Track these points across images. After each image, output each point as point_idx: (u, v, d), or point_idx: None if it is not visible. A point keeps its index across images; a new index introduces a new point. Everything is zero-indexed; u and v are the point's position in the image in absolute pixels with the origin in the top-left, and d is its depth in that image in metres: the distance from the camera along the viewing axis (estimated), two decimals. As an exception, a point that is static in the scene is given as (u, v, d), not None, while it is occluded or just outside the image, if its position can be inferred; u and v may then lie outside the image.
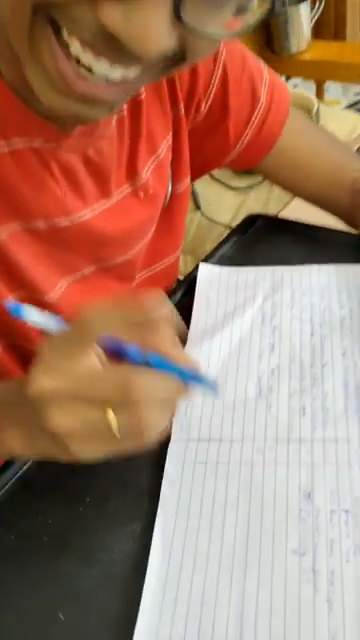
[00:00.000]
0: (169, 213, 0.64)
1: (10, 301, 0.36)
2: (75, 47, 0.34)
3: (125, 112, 0.53)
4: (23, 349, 0.55)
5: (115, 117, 0.52)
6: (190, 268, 0.66)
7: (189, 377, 0.35)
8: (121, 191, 0.55)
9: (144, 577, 0.41)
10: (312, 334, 0.56)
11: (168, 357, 0.34)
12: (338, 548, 0.41)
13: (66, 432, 0.34)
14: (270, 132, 0.64)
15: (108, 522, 0.45)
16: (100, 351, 0.34)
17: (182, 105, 0.58)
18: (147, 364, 0.34)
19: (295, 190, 0.72)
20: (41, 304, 0.52)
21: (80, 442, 0.34)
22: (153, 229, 0.62)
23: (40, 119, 0.45)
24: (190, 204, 1.07)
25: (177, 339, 0.35)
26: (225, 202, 1.02)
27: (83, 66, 0.35)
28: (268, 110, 0.63)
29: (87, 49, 0.34)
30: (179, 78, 0.57)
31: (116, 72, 0.36)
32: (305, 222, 0.70)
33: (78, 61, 0.35)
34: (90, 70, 0.35)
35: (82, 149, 0.49)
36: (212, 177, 1.05)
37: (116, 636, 0.39)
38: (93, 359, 0.33)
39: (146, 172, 0.57)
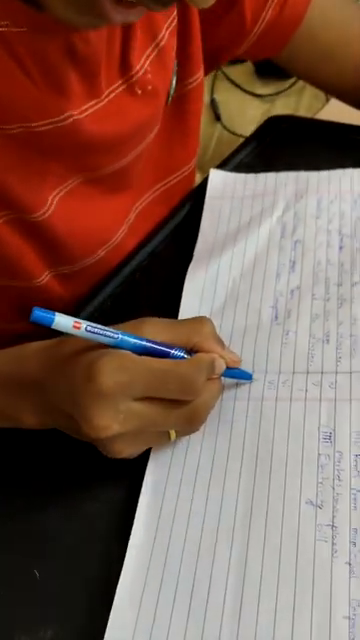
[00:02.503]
0: (179, 113, 0.55)
1: (37, 311, 0.33)
2: None
3: None
4: (14, 288, 0.50)
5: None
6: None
7: (230, 372, 0.39)
8: (113, 89, 0.46)
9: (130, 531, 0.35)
10: (341, 248, 0.48)
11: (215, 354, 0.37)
12: (364, 500, 0.34)
13: (126, 456, 0.36)
14: (294, 10, 0.54)
15: (95, 470, 0.38)
16: None
17: None
18: None
19: (328, 85, 0.62)
20: (33, 225, 0.46)
21: (131, 453, 0.36)
22: (156, 132, 0.53)
23: None
24: (209, 115, 0.96)
25: (219, 336, 0.38)
26: (249, 112, 0.93)
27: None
28: None
29: None
30: None
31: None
32: (336, 122, 0.59)
33: None
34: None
35: (63, 35, 0.40)
36: (234, 83, 0.94)
37: (96, 595, 0.33)
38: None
39: (143, 63, 0.47)
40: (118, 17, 0.35)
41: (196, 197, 0.55)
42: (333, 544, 0.33)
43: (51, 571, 0.35)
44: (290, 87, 0.92)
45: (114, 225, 0.53)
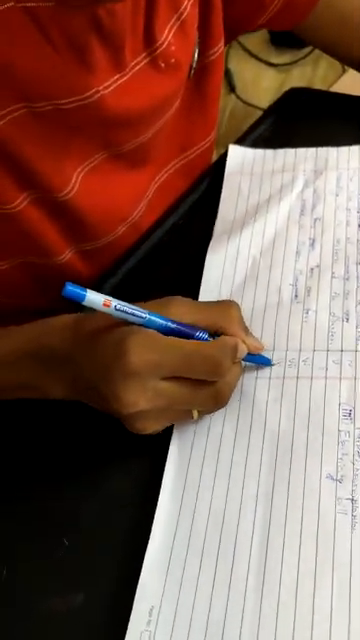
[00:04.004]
0: (200, 85, 0.54)
1: (70, 286, 0.33)
2: None
3: None
4: (36, 265, 0.50)
5: None
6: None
7: (251, 357, 0.40)
8: (138, 62, 0.46)
9: (157, 501, 0.36)
10: (360, 226, 0.48)
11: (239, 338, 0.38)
12: (383, 476, 0.35)
13: (150, 432, 0.37)
14: None
15: (121, 443, 0.39)
16: None
17: None
18: None
19: (347, 56, 0.61)
20: (57, 204, 0.46)
21: (156, 430, 0.37)
22: (176, 106, 0.52)
23: None
24: (223, 86, 0.95)
25: (244, 322, 0.39)
26: (264, 82, 0.91)
27: None
28: None
29: None
30: None
31: None
32: (356, 95, 0.59)
33: None
34: None
35: (92, 10, 0.39)
36: (249, 52, 0.92)
37: (124, 563, 0.35)
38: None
39: (166, 36, 0.47)
40: None
41: (215, 172, 0.55)
42: (353, 516, 0.34)
43: (81, 540, 0.37)
44: (306, 56, 0.90)
45: (134, 201, 0.54)
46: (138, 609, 0.33)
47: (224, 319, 0.38)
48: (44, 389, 0.40)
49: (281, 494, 0.35)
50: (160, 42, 0.47)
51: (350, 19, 0.57)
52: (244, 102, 0.92)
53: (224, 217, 0.51)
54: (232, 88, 0.93)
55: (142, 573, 0.34)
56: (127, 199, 0.53)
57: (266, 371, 0.41)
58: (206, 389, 0.36)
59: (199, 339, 0.36)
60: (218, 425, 0.39)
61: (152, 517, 0.36)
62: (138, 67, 0.46)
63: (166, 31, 0.47)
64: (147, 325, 0.35)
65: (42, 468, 0.40)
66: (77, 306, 0.34)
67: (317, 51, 0.88)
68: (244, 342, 0.38)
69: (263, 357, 0.40)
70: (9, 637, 0.34)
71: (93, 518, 0.37)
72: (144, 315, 0.35)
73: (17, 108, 0.41)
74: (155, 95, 0.48)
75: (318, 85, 0.90)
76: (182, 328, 0.36)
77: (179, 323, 0.36)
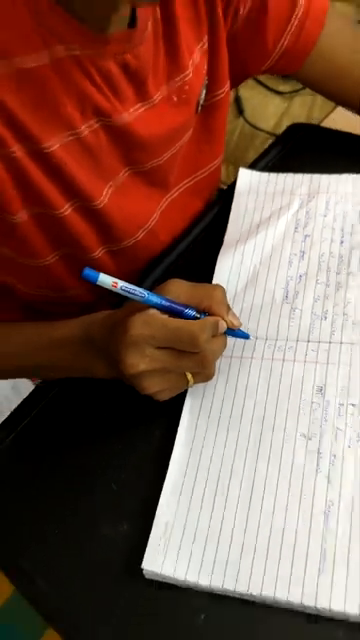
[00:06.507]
0: (208, 120, 0.64)
1: (87, 269, 0.44)
2: None
3: (159, 17, 0.53)
4: (76, 258, 0.60)
5: (150, 23, 0.52)
6: (232, 178, 0.67)
7: (232, 332, 0.49)
8: (157, 95, 0.56)
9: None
10: (341, 242, 0.59)
11: (220, 317, 0.47)
12: (342, 436, 0.46)
13: (154, 393, 0.47)
14: (308, 37, 0.63)
15: (145, 410, 0.51)
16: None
17: (220, 10, 0.57)
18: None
19: (337, 98, 0.71)
20: (94, 212, 0.56)
21: (162, 394, 0.48)
22: (188, 136, 0.63)
23: (81, 26, 0.46)
24: (233, 109, 1.05)
25: (227, 302, 0.48)
26: (270, 107, 1.00)
27: None
28: (306, 14, 0.61)
29: None
30: None
31: None
32: (349, 132, 0.70)
33: None
34: None
35: (121, 55, 0.50)
36: (257, 81, 1.02)
37: (154, 498, 0.47)
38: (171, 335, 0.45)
39: (180, 76, 0.58)
40: None
41: (227, 196, 0.66)
42: (317, 464, 0.45)
43: (123, 483, 0.48)
44: (306, 87, 1.00)
45: (150, 212, 0.63)
46: (157, 524, 0.45)
47: (210, 299, 0.47)
48: (91, 370, 0.51)
49: (265, 444, 0.47)
50: (175, 80, 0.57)
51: (339, 72, 0.66)
52: (251, 125, 1.01)
53: (233, 230, 0.62)
54: (241, 112, 1.02)
55: (160, 499, 0.46)
56: (145, 210, 0.63)
57: (259, 353, 0.52)
58: (191, 357, 0.46)
59: (187, 316, 0.46)
60: (220, 393, 0.50)
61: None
62: (157, 100, 0.56)
63: (180, 72, 0.57)
64: (147, 302, 0.45)
65: (89, 434, 0.52)
66: (109, 294, 0.45)
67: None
68: (224, 319, 0.47)
69: (242, 332, 0.50)
70: (77, 552, 0.46)
71: (130, 469, 0.49)
72: (143, 294, 0.45)
73: (66, 135, 0.51)
74: (169, 124, 0.58)
75: (317, 111, 0.99)
76: (173, 305, 0.46)
77: (171, 301, 0.46)
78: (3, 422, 0.56)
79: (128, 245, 0.63)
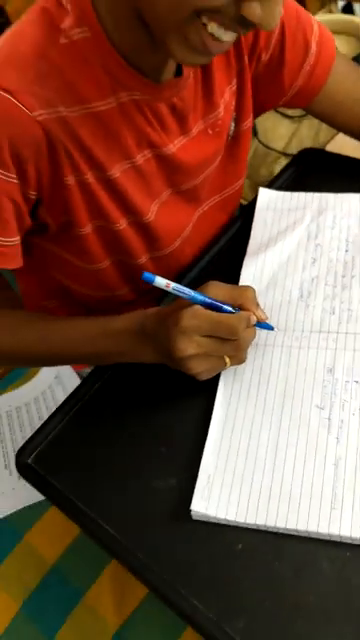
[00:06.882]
0: (235, 147, 0.76)
1: (146, 273, 0.55)
2: (211, 26, 0.50)
3: (198, 67, 0.65)
4: (126, 263, 0.71)
5: (191, 72, 0.64)
6: (247, 191, 0.78)
7: (259, 324, 0.60)
8: (195, 128, 0.68)
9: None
10: (346, 251, 0.70)
11: (252, 312, 0.58)
12: (348, 406, 0.58)
13: (198, 373, 0.57)
14: (318, 78, 0.74)
15: (189, 387, 0.62)
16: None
17: (246, 57, 0.69)
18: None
19: (341, 128, 0.82)
20: (144, 225, 0.68)
21: (203, 375, 0.58)
22: (219, 160, 0.75)
23: (140, 76, 0.58)
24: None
25: (257, 300, 0.59)
26: (280, 129, 1.11)
27: (215, 37, 0.51)
28: (317, 60, 0.72)
29: (221, 27, 0.50)
30: (244, 35, 0.68)
31: (233, 36, 0.52)
32: (353, 157, 0.81)
33: (212, 34, 0.51)
34: (219, 39, 0.51)
35: (169, 98, 0.62)
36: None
37: (198, 459, 0.58)
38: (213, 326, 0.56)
39: (215, 113, 0.69)
40: (215, 49, 0.52)
41: (248, 211, 0.77)
42: (328, 428, 0.57)
43: (172, 446, 0.59)
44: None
45: (185, 224, 0.75)
46: (201, 477, 0.56)
47: (243, 297, 0.58)
48: (138, 356, 0.61)
49: (287, 413, 0.58)
50: (209, 117, 0.69)
51: (344, 103, 0.77)
52: (264, 145, 1.13)
53: (255, 241, 0.73)
54: (255, 133, 1.12)
55: (203, 457, 0.57)
56: (181, 222, 0.74)
57: (281, 342, 0.63)
58: (230, 343, 0.56)
59: (225, 311, 0.57)
60: (248, 373, 0.62)
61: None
62: (195, 132, 0.68)
63: (214, 110, 0.69)
64: (192, 299, 0.56)
65: (137, 409, 0.63)
66: (146, 294, 0.55)
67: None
68: (255, 313, 0.58)
69: (268, 324, 0.61)
70: (132, 503, 0.57)
71: (177, 435, 0.60)
72: (189, 293, 0.56)
73: (125, 163, 0.63)
74: (205, 152, 0.70)
75: (323, 134, 1.11)
76: (214, 302, 0.57)
77: (213, 299, 0.57)
78: (65, 400, 0.67)
79: (167, 252, 0.74)
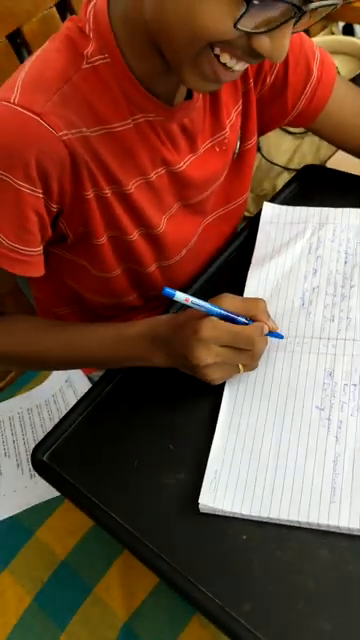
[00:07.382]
0: (240, 163, 0.80)
1: (167, 288, 0.59)
2: (223, 57, 0.54)
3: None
4: (136, 271, 0.75)
5: (200, 96, 0.69)
6: (250, 203, 0.83)
7: (270, 334, 0.64)
8: (203, 147, 0.73)
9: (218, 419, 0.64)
10: (345, 262, 0.74)
11: (264, 322, 0.62)
12: (347, 407, 0.62)
13: (213, 379, 0.61)
14: (319, 100, 0.78)
15: (197, 389, 0.66)
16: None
17: (252, 80, 0.74)
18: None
19: (341, 146, 0.86)
20: (154, 237, 0.72)
21: (218, 380, 0.62)
22: (224, 175, 0.79)
23: (155, 99, 0.63)
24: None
25: (269, 312, 0.63)
26: (283, 145, 1.16)
27: (226, 67, 0.55)
28: (318, 83, 0.77)
29: (233, 58, 0.54)
30: None
31: (244, 65, 0.56)
32: (352, 173, 0.86)
33: (224, 64, 0.54)
34: (230, 69, 0.55)
35: (181, 119, 0.67)
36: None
37: (205, 454, 0.62)
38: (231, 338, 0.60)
39: (222, 132, 0.74)
40: (227, 78, 0.56)
41: (252, 224, 0.82)
42: (328, 428, 0.61)
43: (180, 444, 0.63)
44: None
45: (192, 234, 0.79)
46: (208, 472, 0.60)
47: (256, 309, 0.62)
48: (152, 360, 0.65)
49: (289, 414, 0.62)
50: (216, 136, 0.73)
51: (344, 124, 0.81)
52: (267, 160, 1.17)
53: (259, 252, 0.77)
54: (259, 149, 1.17)
55: (210, 454, 0.61)
56: (188, 233, 0.78)
57: (284, 347, 0.68)
58: (245, 353, 0.61)
59: (240, 322, 0.61)
60: (253, 376, 0.66)
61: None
62: (202, 150, 0.73)
63: (221, 130, 0.73)
64: (209, 312, 0.61)
65: (149, 408, 0.67)
66: (153, 300, 0.59)
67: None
68: (267, 324, 0.63)
69: (278, 334, 0.66)
70: (143, 497, 0.61)
71: (185, 433, 0.64)
72: (207, 306, 0.61)
73: (140, 179, 0.67)
74: (212, 169, 0.75)
75: (324, 150, 1.15)
76: (229, 314, 0.61)
77: (227, 311, 0.61)
78: (78, 401, 0.71)
79: (175, 262, 0.78)
